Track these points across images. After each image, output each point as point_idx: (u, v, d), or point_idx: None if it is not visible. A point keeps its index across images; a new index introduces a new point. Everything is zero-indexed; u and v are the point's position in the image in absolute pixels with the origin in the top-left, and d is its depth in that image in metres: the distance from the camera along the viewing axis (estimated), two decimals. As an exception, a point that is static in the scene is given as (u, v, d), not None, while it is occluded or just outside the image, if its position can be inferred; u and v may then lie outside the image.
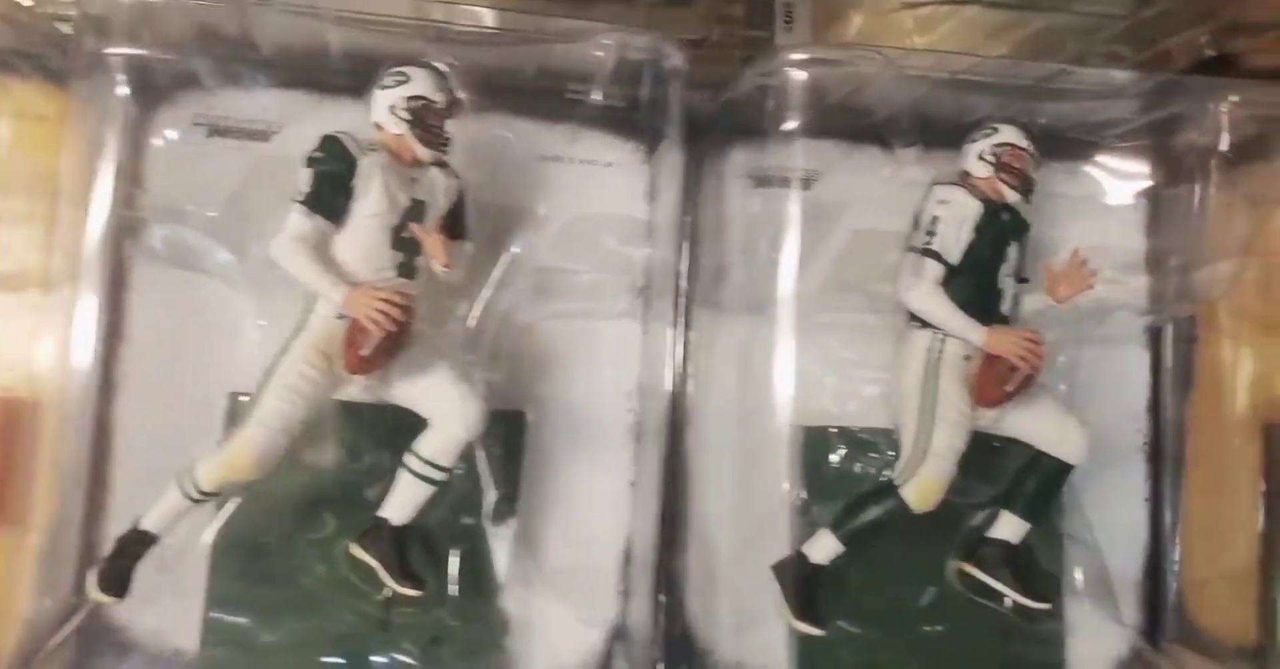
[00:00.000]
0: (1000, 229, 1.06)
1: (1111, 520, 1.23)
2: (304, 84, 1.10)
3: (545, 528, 1.12)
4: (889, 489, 1.01)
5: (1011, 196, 1.08)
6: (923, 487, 1.00)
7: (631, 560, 1.13)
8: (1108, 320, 1.24)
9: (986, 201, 1.06)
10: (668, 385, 1.13)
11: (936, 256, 1.04)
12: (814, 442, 1.15)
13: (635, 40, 1.04)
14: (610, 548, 1.13)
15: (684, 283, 1.14)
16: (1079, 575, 1.21)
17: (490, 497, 1.07)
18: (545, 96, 1.13)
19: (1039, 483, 1.09)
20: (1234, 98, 1.17)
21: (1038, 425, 1.08)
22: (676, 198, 1.14)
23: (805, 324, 1.16)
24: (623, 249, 1.15)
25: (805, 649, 1.12)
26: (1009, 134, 1.08)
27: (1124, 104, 1.19)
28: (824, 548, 1.03)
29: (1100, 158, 1.25)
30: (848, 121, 1.19)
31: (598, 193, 1.15)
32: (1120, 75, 1.16)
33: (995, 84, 1.12)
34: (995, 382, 1.02)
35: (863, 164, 1.20)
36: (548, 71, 1.10)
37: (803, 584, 1.03)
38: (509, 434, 1.09)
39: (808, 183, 1.19)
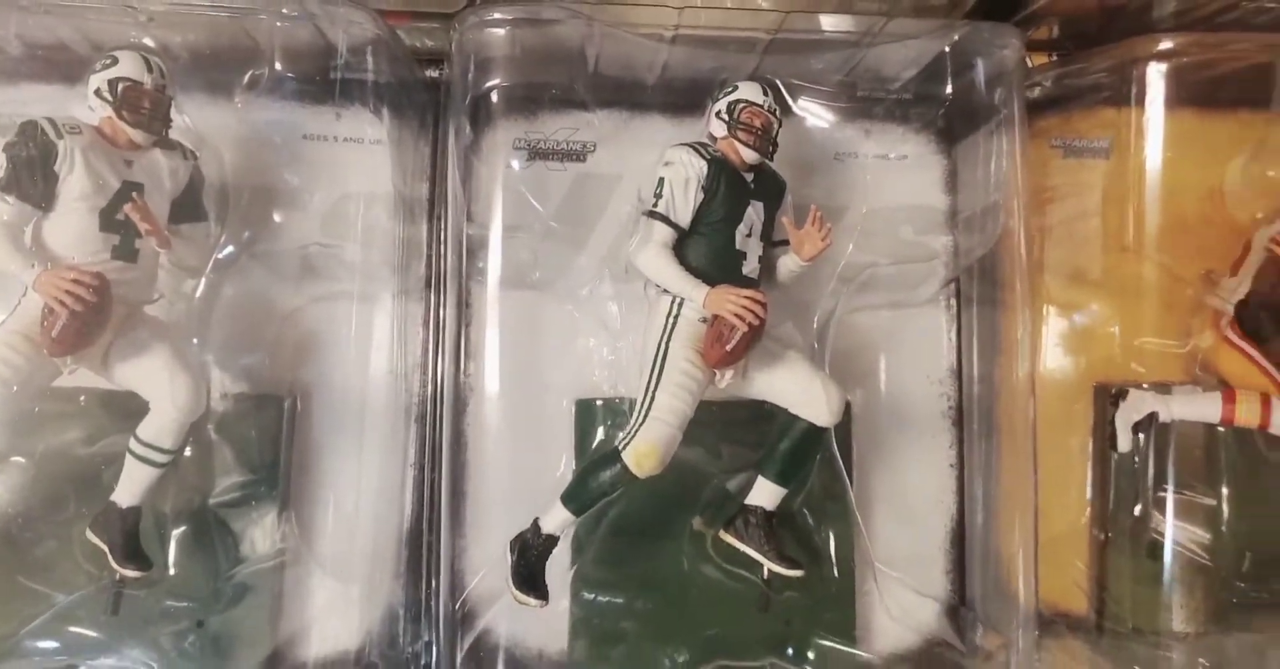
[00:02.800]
0: (735, 189, 1.03)
1: (917, 487, 1.20)
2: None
3: (317, 512, 1.13)
4: (613, 455, 0.99)
5: (749, 156, 1.05)
6: (639, 450, 0.98)
7: (410, 542, 1.13)
8: (912, 282, 1.20)
9: (714, 161, 1.02)
10: (445, 364, 1.12)
11: (663, 219, 1.02)
12: (585, 414, 1.13)
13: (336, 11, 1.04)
14: (388, 530, 1.13)
15: (453, 259, 1.12)
16: (877, 543, 1.17)
17: (233, 479, 1.08)
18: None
19: (791, 446, 1.05)
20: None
21: (787, 387, 1.04)
22: (447, 173, 1.13)
23: (581, 297, 1.15)
24: (390, 226, 1.14)
25: (580, 622, 1.10)
26: (745, 91, 1.05)
27: (914, 55, 1.15)
28: (555, 518, 1.02)
29: (894, 114, 1.21)
30: (624, 92, 1.18)
31: (361, 171, 1.15)
32: (910, 24, 1.12)
33: (758, 41, 1.09)
34: (716, 341, 0.99)
35: (642, 134, 1.18)
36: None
37: (526, 556, 1.01)
38: (267, 418, 1.10)
39: (582, 155, 1.17)
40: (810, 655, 1.10)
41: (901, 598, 1.17)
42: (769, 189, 1.07)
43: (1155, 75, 1.11)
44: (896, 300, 1.20)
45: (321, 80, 1.11)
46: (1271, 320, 1.09)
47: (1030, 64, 1.22)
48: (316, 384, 1.14)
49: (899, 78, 1.16)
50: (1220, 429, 1.17)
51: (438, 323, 1.14)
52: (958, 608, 1.19)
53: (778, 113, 1.06)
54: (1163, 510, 1.20)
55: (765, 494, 1.06)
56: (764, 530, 1.05)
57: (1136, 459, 1.19)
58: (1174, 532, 1.20)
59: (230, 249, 1.10)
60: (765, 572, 1.06)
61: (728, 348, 0.99)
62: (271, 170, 1.13)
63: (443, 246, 1.11)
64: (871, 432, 1.19)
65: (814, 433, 1.05)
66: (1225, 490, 1.19)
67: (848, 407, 1.14)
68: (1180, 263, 1.19)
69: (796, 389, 1.04)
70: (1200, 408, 1.13)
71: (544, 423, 1.14)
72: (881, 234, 1.19)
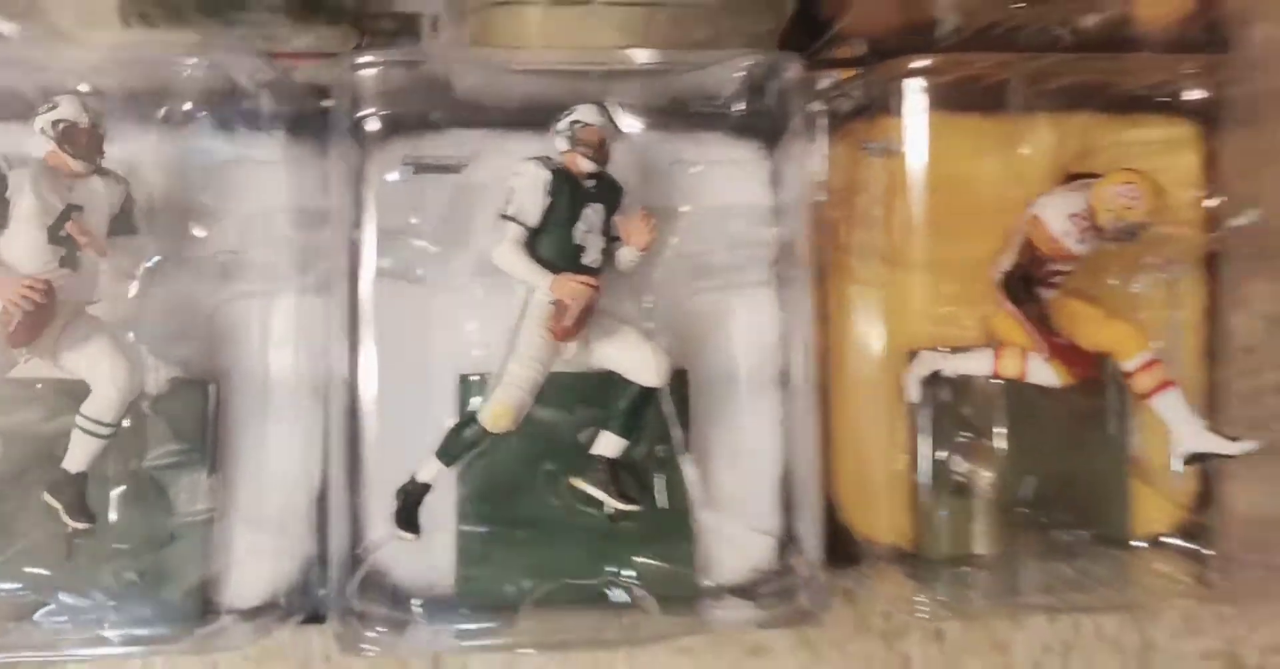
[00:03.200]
0: (574, 194, 1.25)
1: (750, 440, 1.40)
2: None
3: (241, 477, 1.34)
4: (472, 416, 1.21)
5: (586, 166, 1.26)
6: (492, 410, 1.20)
7: (319, 502, 1.34)
8: (741, 267, 1.41)
9: (556, 171, 1.24)
10: (343, 350, 1.34)
11: (514, 220, 1.23)
12: (465, 387, 1.35)
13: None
14: (301, 490, 1.35)
15: (345, 260, 1.34)
16: (714, 489, 1.38)
17: (167, 448, 1.29)
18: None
19: (627, 405, 1.27)
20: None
21: (622, 356, 1.26)
22: (343, 186, 1.34)
23: (459, 288, 1.37)
24: (292, 234, 1.36)
25: (461, 556, 1.32)
26: (582, 113, 1.26)
27: (728, 77, 1.37)
28: (428, 469, 1.24)
29: (721, 125, 1.41)
30: (491, 114, 1.39)
31: (266, 188, 1.35)
32: (709, 55, 1.33)
33: (593, 71, 1.31)
34: (557, 318, 1.20)
35: (510, 149, 1.39)
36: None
37: (405, 500, 1.23)
38: (195, 399, 1.32)
39: (458, 167, 1.38)
40: (644, 576, 1.31)
41: (736, 534, 1.37)
42: (607, 193, 1.29)
43: (913, 88, 1.33)
44: (728, 283, 1.40)
45: (230, 113, 1.32)
46: (1028, 287, 1.30)
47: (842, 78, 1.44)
48: (235, 369, 1.35)
49: (720, 95, 1.37)
50: (1000, 381, 1.38)
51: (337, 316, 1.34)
52: (786, 542, 1.40)
53: (611, 129, 1.27)
54: (960, 453, 1.42)
55: (608, 445, 1.28)
56: (607, 475, 1.27)
57: (938, 411, 1.41)
58: (969, 471, 1.41)
59: (158, 257, 1.31)
60: (608, 509, 1.28)
61: (566, 324, 1.20)
62: (192, 190, 1.34)
63: (335, 250, 1.32)
64: (710, 394, 1.39)
65: (645, 393, 1.27)
66: (1006, 433, 1.39)
67: (685, 373, 1.37)
68: (969, 244, 1.40)
69: (629, 357, 1.26)
70: (974, 363, 1.34)
71: (431, 396, 1.35)
72: (713, 228, 1.40)
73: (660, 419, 1.32)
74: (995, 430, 1.40)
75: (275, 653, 1.42)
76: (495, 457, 1.31)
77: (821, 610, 1.32)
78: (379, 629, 1.24)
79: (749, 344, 1.40)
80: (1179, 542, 1.48)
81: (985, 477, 1.41)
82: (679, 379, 1.35)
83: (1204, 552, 1.47)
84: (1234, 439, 1.31)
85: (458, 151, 1.38)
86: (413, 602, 1.29)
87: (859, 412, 1.43)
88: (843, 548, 1.41)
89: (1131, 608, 1.49)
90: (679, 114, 1.40)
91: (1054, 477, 1.42)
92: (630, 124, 1.36)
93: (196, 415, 1.31)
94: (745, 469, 1.39)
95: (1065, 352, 1.27)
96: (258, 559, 1.33)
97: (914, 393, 1.35)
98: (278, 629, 1.32)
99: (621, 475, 1.28)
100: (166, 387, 1.29)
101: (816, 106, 1.41)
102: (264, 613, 1.31)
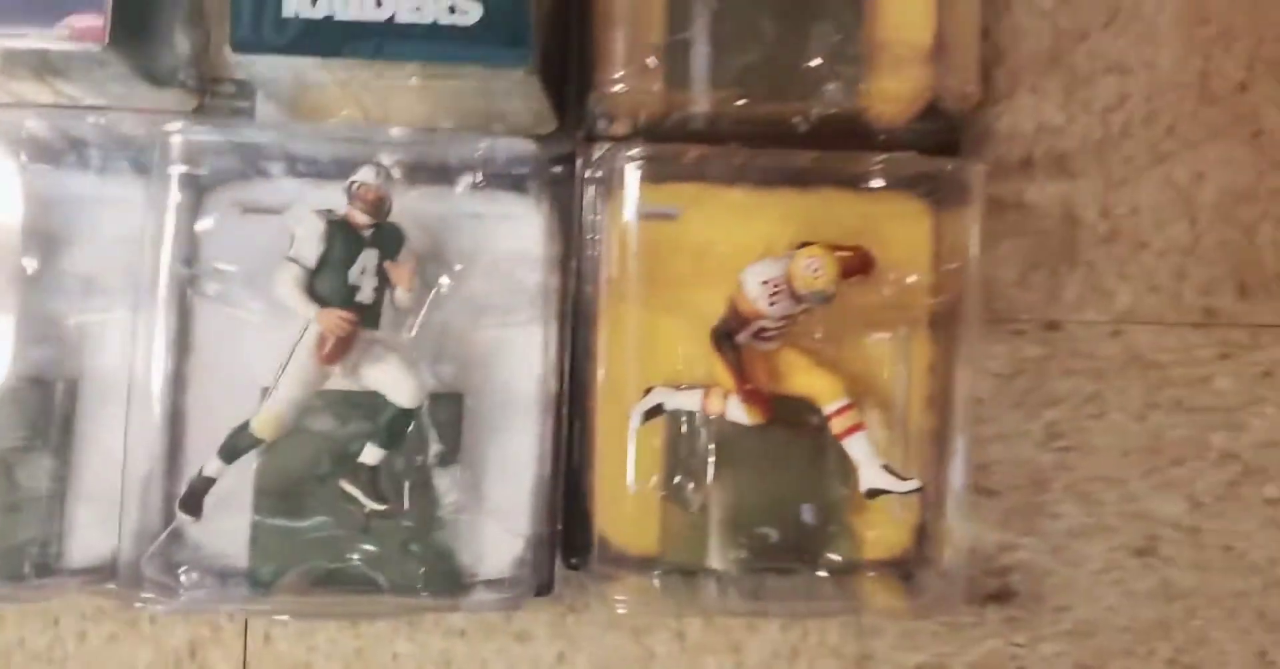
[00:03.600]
0: (349, 242, 1.50)
1: (517, 457, 1.62)
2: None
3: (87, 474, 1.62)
4: (246, 423, 1.47)
5: (362, 219, 1.52)
6: (260, 418, 1.46)
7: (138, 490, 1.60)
8: (515, 309, 1.66)
9: (332, 222, 1.50)
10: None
11: (294, 261, 1.49)
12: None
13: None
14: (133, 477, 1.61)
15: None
16: (481, 496, 1.62)
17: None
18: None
19: (386, 421, 1.51)
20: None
21: (382, 379, 1.51)
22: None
23: (272, 313, 1.62)
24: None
25: (255, 535, 1.58)
26: (362, 174, 1.52)
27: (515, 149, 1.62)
28: (212, 466, 1.50)
29: (505, 185, 1.66)
30: (310, 166, 1.65)
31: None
32: (455, 138, 1.60)
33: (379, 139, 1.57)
34: (320, 345, 1.46)
35: (329, 195, 1.63)
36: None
37: (190, 489, 1.50)
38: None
39: (280, 210, 1.64)
40: (401, 564, 1.55)
41: (492, 534, 1.60)
42: (385, 241, 1.53)
43: (629, 169, 1.57)
44: (504, 321, 1.63)
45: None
46: (730, 339, 1.52)
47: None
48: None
49: (499, 161, 1.62)
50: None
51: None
52: (536, 542, 1.63)
53: (386, 188, 1.52)
54: (692, 478, 1.65)
55: (370, 454, 1.53)
56: (367, 479, 1.52)
57: (673, 440, 1.65)
58: (700, 493, 1.64)
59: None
60: (366, 508, 1.53)
61: (324, 351, 1.46)
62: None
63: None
64: (484, 416, 1.62)
65: (403, 412, 1.52)
66: (745, 464, 1.61)
67: (461, 396, 1.60)
68: (707, 298, 1.62)
69: (390, 381, 1.51)
70: (688, 400, 1.57)
71: (238, 403, 1.57)
72: (493, 273, 1.64)
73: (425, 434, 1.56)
74: (720, 462, 1.61)
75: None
76: (283, 459, 1.56)
77: (535, 596, 1.57)
78: (154, 594, 1.50)
79: (518, 374, 1.63)
80: (898, 567, 1.67)
81: (719, 498, 1.62)
82: (453, 402, 1.60)
83: (919, 575, 1.66)
84: (904, 478, 1.52)
85: (281, 197, 1.64)
86: (182, 570, 1.54)
87: (614, 438, 1.64)
88: (601, 554, 1.64)
89: (851, 621, 1.70)
90: (471, 175, 1.64)
91: (782, 504, 1.63)
92: (423, 180, 1.60)
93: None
94: (508, 480, 1.62)
95: (753, 395, 1.50)
96: (90, 532, 1.60)
97: (635, 422, 1.58)
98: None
99: (380, 480, 1.52)
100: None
101: (589, 173, 1.64)
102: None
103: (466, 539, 1.61)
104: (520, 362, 1.64)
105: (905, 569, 1.61)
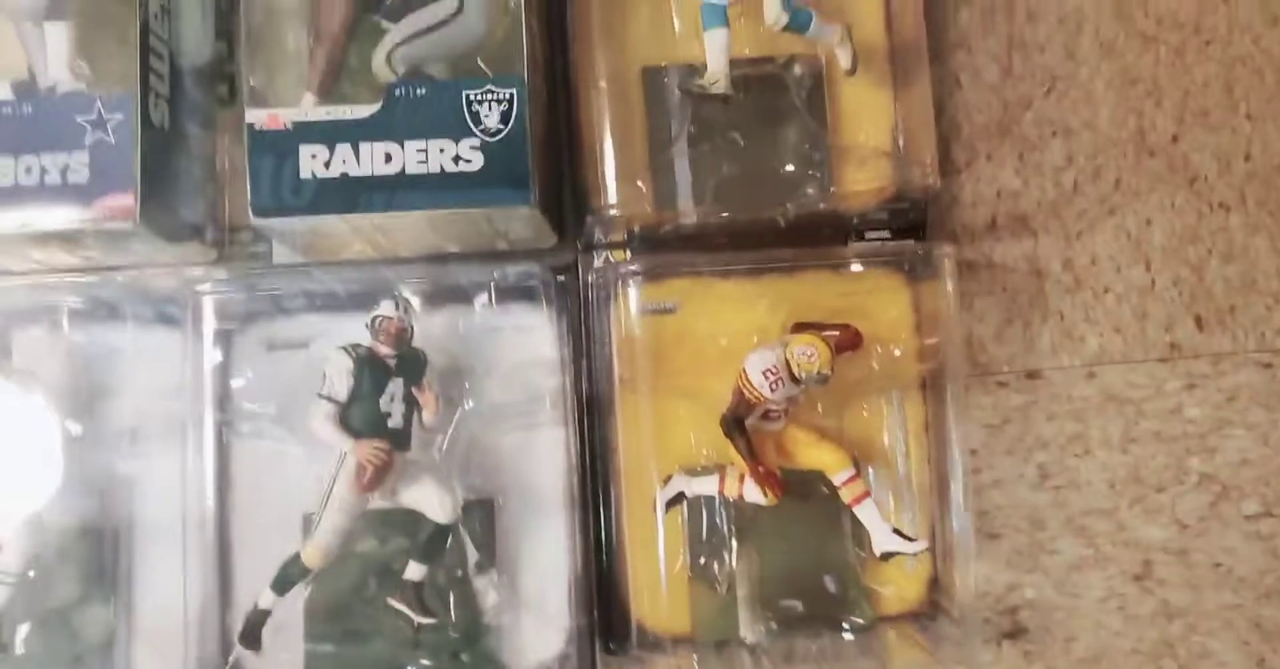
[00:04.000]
0: (377, 372, 1.60)
1: (550, 552, 1.70)
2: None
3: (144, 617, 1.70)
4: (296, 555, 1.56)
5: (387, 351, 1.62)
6: (309, 551, 1.54)
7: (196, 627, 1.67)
8: (535, 412, 1.76)
9: (359, 357, 1.59)
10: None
11: (327, 398, 1.58)
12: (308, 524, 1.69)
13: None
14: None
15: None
16: (519, 594, 1.70)
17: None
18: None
19: (426, 538, 1.60)
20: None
21: (419, 497, 1.59)
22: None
23: (307, 444, 1.71)
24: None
25: (310, 662, 1.66)
26: (383, 308, 1.62)
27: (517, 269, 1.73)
28: (266, 598, 1.58)
29: (517, 296, 1.75)
30: (332, 301, 1.75)
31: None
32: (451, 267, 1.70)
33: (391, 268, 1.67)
34: (359, 476, 1.55)
35: (348, 327, 1.73)
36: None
37: (248, 623, 1.58)
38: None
39: (306, 344, 1.74)
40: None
41: (534, 629, 1.68)
42: (409, 368, 1.63)
43: (627, 282, 1.68)
44: (526, 425, 1.72)
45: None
46: (739, 424, 1.63)
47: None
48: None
49: (509, 279, 1.73)
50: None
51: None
52: (577, 632, 1.71)
53: (407, 318, 1.62)
54: (717, 558, 1.73)
55: (413, 570, 1.61)
56: (412, 594, 1.61)
57: (695, 524, 1.75)
58: (726, 572, 1.74)
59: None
60: (415, 623, 1.62)
61: (364, 480, 1.56)
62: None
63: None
64: (515, 518, 1.69)
65: (441, 528, 1.61)
66: (764, 539, 1.69)
67: (491, 502, 1.69)
68: (715, 386, 1.72)
69: (425, 498, 1.60)
70: (706, 486, 1.68)
71: (285, 532, 1.68)
72: (514, 380, 1.74)
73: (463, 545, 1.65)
74: (741, 539, 1.72)
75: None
76: (330, 584, 1.64)
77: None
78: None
79: (544, 474, 1.71)
80: (915, 618, 1.75)
81: (747, 574, 1.71)
82: (485, 508, 1.68)
83: (936, 624, 1.73)
84: (911, 539, 1.64)
85: (305, 332, 1.73)
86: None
87: (640, 526, 1.71)
88: (639, 639, 1.70)
89: (874, 673, 1.80)
90: (483, 290, 1.74)
91: (803, 573, 1.72)
92: (440, 303, 1.70)
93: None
94: (544, 578, 1.69)
95: (768, 477, 1.61)
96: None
97: (660, 510, 1.68)
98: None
99: (425, 594, 1.61)
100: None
101: (591, 280, 1.75)
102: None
103: (510, 639, 1.66)
104: (545, 462, 1.71)
105: (922, 620, 1.67)
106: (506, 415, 1.71)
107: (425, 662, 1.63)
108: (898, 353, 1.69)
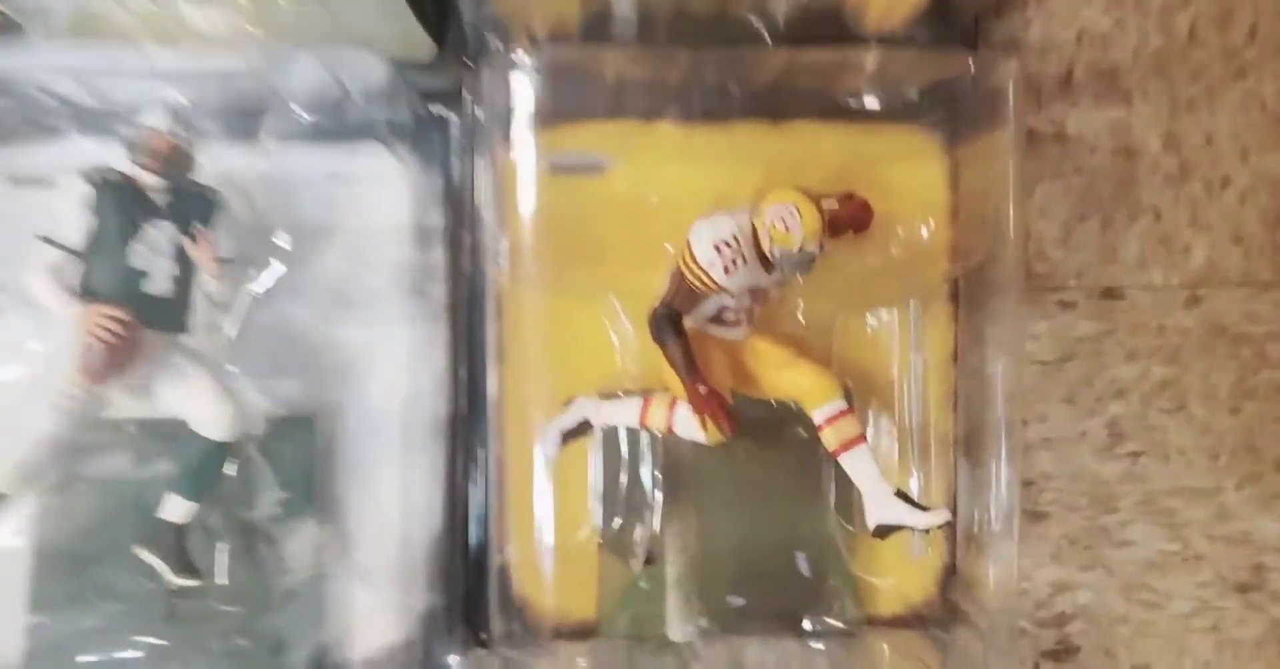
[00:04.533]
0: (129, 211, 1.07)
1: (402, 498, 1.22)
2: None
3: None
4: None
5: (151, 179, 1.08)
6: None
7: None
8: (390, 299, 1.22)
9: (110, 185, 1.06)
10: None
11: (50, 242, 1.05)
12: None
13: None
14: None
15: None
16: (343, 561, 1.19)
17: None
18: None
19: (195, 462, 1.08)
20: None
21: (187, 404, 1.08)
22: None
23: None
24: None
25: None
26: (148, 117, 1.08)
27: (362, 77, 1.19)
28: None
29: (370, 135, 1.23)
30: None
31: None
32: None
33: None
34: (83, 357, 1.02)
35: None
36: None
37: None
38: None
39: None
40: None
41: (371, 610, 1.19)
42: (187, 208, 1.10)
43: (529, 91, 1.16)
44: (374, 317, 1.22)
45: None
46: (674, 323, 1.09)
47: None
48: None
49: (349, 97, 1.19)
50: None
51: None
52: (439, 618, 1.20)
53: (186, 136, 1.09)
54: (641, 522, 1.22)
55: (174, 508, 1.09)
56: (171, 543, 1.08)
57: (610, 473, 1.21)
58: (666, 540, 1.21)
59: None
60: (170, 583, 1.09)
61: (90, 365, 1.02)
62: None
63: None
64: (348, 448, 1.22)
65: (214, 448, 1.08)
66: (708, 499, 1.21)
67: (311, 420, 1.19)
68: (634, 269, 1.19)
69: (195, 406, 1.08)
70: (624, 413, 1.14)
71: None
72: (354, 252, 1.21)
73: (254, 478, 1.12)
74: (698, 496, 1.19)
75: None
76: (63, 525, 1.12)
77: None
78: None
79: (393, 390, 1.23)
80: (920, 624, 1.29)
81: (685, 548, 1.21)
82: (302, 430, 1.19)
83: (950, 632, 1.28)
84: (924, 508, 1.09)
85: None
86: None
87: (528, 470, 1.24)
88: (522, 625, 1.24)
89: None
90: (326, 121, 1.21)
91: (755, 549, 1.24)
92: (243, 126, 1.17)
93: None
94: (387, 534, 1.22)
95: (710, 402, 1.06)
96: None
97: (552, 446, 1.15)
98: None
99: (188, 544, 1.08)
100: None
101: (478, 112, 1.20)
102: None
103: (327, 619, 1.19)
104: (394, 370, 1.23)
105: (930, 628, 1.29)
106: (339, 299, 1.22)
107: (171, 641, 1.10)
108: (922, 241, 1.26)
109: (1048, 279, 1.36)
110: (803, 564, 1.23)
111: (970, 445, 1.28)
